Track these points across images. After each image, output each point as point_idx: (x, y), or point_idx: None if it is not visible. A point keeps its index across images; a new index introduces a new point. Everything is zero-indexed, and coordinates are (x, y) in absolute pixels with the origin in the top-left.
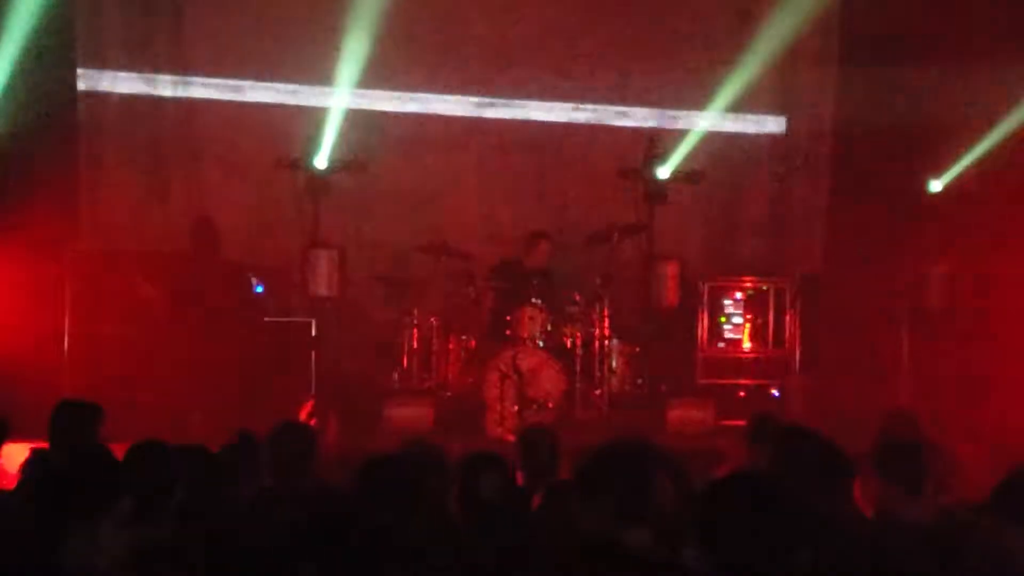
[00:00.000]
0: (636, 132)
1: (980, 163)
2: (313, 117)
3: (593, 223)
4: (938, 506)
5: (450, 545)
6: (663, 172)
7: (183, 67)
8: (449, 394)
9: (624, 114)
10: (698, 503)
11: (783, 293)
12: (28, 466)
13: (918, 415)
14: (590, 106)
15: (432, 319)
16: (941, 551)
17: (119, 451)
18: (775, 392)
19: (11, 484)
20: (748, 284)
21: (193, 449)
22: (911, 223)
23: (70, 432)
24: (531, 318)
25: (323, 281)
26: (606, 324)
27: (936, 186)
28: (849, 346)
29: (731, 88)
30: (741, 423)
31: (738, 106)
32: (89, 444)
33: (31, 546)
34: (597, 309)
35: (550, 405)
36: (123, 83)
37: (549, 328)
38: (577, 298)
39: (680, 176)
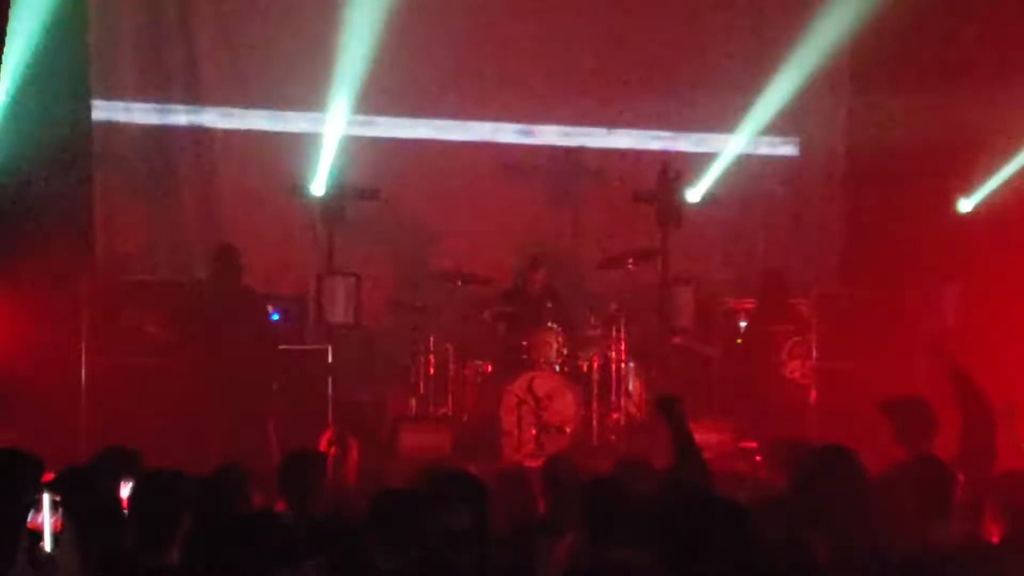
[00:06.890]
0: (651, 156)
1: (999, 184)
2: (327, 145)
3: (608, 247)
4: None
5: None
6: (678, 195)
7: (196, 97)
8: (466, 420)
9: (638, 138)
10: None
11: (800, 314)
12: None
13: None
14: (604, 130)
15: (448, 345)
16: None
17: None
18: None
19: None
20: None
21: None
22: (928, 244)
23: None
24: (547, 342)
25: (339, 308)
26: (623, 347)
27: (953, 206)
28: (866, 366)
29: (745, 111)
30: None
31: (752, 129)
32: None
33: None
34: (613, 332)
35: (567, 429)
36: (137, 113)
37: (565, 352)
38: (593, 322)
39: (695, 199)
